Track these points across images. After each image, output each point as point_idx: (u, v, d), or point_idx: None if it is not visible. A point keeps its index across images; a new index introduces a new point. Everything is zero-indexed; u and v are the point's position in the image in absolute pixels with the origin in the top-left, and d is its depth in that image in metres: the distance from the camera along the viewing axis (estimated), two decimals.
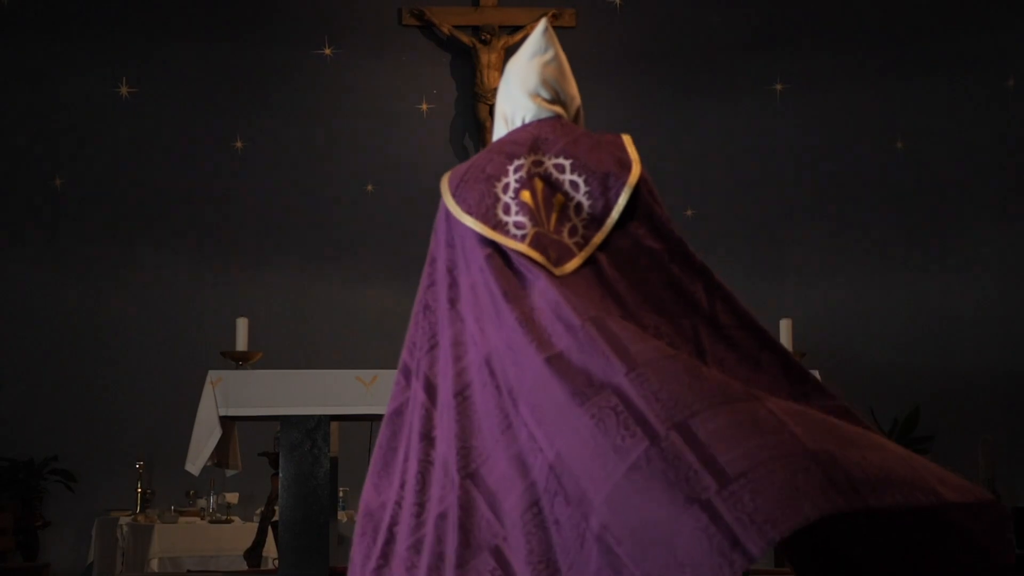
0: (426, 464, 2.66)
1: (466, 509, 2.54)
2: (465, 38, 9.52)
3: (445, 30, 9.55)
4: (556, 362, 2.46)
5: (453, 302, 2.73)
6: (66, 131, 9.26)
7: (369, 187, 9.55)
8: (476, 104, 9.50)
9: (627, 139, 2.79)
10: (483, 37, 9.47)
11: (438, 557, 2.56)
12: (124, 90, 9.31)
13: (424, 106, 9.65)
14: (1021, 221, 9.27)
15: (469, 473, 2.56)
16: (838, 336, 9.12)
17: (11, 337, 9.07)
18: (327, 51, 9.53)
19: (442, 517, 2.58)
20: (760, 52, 9.56)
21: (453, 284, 2.74)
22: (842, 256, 9.45)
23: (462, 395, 2.63)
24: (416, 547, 2.61)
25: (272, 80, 9.46)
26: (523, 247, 2.60)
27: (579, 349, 2.47)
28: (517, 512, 2.47)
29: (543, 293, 2.57)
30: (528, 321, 2.55)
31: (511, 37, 9.49)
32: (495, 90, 9.38)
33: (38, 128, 9.22)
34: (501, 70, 9.49)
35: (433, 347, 2.76)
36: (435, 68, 9.69)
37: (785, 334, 6.29)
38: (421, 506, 2.64)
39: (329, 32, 9.53)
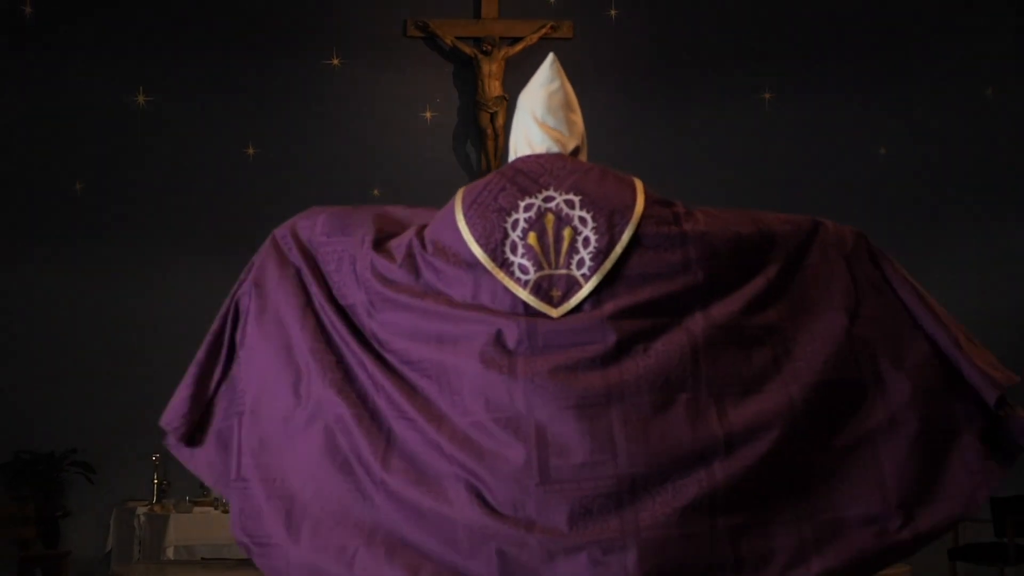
0: None
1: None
2: (467, 49, 9.59)
3: (448, 41, 9.62)
4: None
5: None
6: (86, 138, 9.29)
7: (376, 192, 9.57)
8: (478, 112, 9.58)
9: (637, 181, 2.87)
10: (484, 48, 9.55)
11: None
12: (141, 98, 9.38)
13: (428, 114, 9.72)
14: (999, 225, 9.35)
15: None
16: None
17: (33, 335, 9.12)
18: (335, 61, 9.60)
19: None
20: (749, 62, 9.63)
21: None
22: None
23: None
24: None
25: (282, 89, 9.50)
26: (524, 293, 2.73)
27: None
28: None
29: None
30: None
31: (511, 48, 9.57)
32: (496, 98, 9.67)
33: (59, 135, 9.25)
34: (502, 79, 9.65)
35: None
36: (438, 77, 9.74)
37: None
38: None
39: (337, 43, 9.59)
